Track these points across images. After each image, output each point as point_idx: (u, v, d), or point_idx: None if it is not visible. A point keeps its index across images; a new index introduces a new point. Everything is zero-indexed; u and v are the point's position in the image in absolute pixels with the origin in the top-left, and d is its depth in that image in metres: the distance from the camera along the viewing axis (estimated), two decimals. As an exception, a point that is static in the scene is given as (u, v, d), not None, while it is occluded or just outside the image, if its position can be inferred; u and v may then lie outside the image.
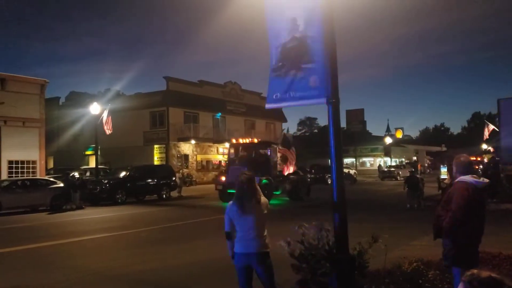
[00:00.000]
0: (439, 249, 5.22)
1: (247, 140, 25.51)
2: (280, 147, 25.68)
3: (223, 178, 22.67)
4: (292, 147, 26.42)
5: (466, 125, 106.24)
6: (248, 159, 22.98)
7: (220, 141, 44.56)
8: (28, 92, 28.48)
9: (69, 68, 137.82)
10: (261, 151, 24.58)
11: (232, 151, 25.57)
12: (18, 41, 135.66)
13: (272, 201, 19.62)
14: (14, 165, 27.45)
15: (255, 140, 26.28)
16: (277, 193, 23.20)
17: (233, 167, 22.30)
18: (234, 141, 25.84)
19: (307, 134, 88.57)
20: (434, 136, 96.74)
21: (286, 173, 25.20)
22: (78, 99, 47.93)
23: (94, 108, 28.27)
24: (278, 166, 25.56)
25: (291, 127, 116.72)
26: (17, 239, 12.53)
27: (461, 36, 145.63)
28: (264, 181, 21.42)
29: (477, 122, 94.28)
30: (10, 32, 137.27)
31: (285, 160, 25.90)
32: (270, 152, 24.50)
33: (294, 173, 25.61)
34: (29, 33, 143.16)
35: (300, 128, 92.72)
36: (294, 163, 26.01)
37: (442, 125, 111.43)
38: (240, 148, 25.00)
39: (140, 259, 9.69)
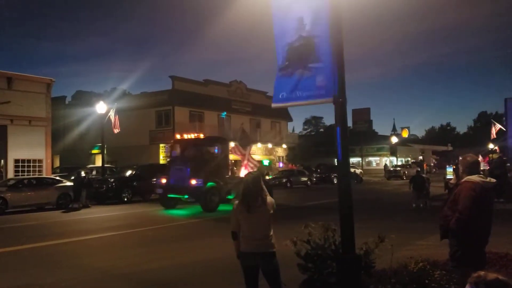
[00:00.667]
0: (445, 249, 5.19)
1: (193, 136, 21.76)
2: (238, 144, 22.32)
3: (164, 181, 19.71)
4: (250, 145, 23.31)
5: (473, 124, 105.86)
6: (192, 158, 20.02)
7: (225, 140, 44.55)
8: (34, 91, 28.60)
9: (75, 67, 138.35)
10: (209, 148, 21.24)
11: (174, 149, 22.04)
12: (24, 41, 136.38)
13: (222, 207, 18.73)
14: (20, 164, 27.58)
15: (201, 136, 22.52)
16: (230, 197, 20.00)
17: (175, 168, 19.97)
18: (178, 136, 21.95)
19: (313, 133, 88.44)
20: (440, 136, 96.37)
21: (242, 174, 22.46)
22: (84, 98, 48.13)
23: (100, 107, 28.36)
24: (233, 166, 23.40)
25: (296, 126, 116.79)
26: (23, 237, 12.59)
27: (468, 35, 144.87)
28: (209, 184, 18.85)
29: (483, 121, 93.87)
30: (17, 31, 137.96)
31: (242, 159, 22.76)
32: (219, 149, 21.17)
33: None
34: (35, 33, 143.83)
35: (306, 127, 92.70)
36: (253, 162, 22.93)
37: (448, 124, 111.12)
38: (184, 145, 21.39)
39: (147, 257, 9.70)
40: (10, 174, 26.43)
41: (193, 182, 18.57)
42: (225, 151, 21.54)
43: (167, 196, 19.41)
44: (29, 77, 29.05)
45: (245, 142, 22.57)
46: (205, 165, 19.50)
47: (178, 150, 21.42)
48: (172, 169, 20.26)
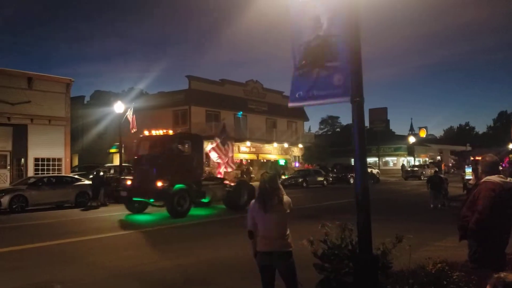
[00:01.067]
0: (463, 250, 5.13)
1: (161, 132, 18.99)
2: (218, 141, 20.47)
3: (129, 182, 17.97)
4: (230, 142, 21.23)
5: (492, 124, 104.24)
6: (160, 157, 17.76)
7: (241, 140, 44.69)
8: (54, 91, 29.09)
9: (94, 67, 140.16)
10: (179, 146, 18.76)
11: (141, 146, 19.34)
12: (44, 41, 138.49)
13: (195, 212, 17.63)
14: (40, 163, 28.09)
15: (170, 132, 19.78)
16: (205, 200, 18.63)
17: (140, 169, 18.24)
18: (146, 133, 19.13)
19: (329, 133, 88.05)
20: (459, 136, 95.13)
21: (221, 175, 20.65)
22: (102, 98, 48.64)
23: (118, 107, 28.64)
24: (210, 165, 21.96)
25: (313, 125, 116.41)
26: (42, 235, 12.79)
27: (488, 33, 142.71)
28: (178, 186, 16.82)
29: (503, 121, 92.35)
30: (37, 32, 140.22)
31: (222, 157, 20.72)
32: (190, 147, 18.88)
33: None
34: (55, 34, 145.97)
35: (322, 127, 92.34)
36: (232, 162, 21.15)
37: (467, 124, 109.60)
38: (151, 142, 18.89)
39: (165, 256, 9.80)
40: (30, 172, 26.92)
41: (159, 184, 16.61)
42: (199, 149, 19.22)
43: (131, 199, 17.59)
44: (49, 77, 29.54)
45: (225, 139, 21.09)
46: (174, 164, 17.50)
47: (145, 148, 19.00)
48: (137, 170, 18.62)
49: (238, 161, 21.90)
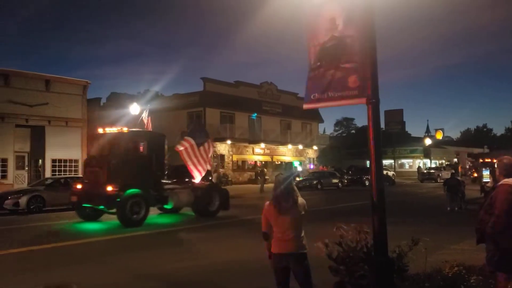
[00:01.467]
0: (481, 253, 5.06)
1: (115, 130, 16.62)
2: (192, 142, 17.64)
3: (79, 186, 16.03)
4: (209, 141, 18.39)
5: (510, 126, 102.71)
6: (111, 159, 15.56)
7: (256, 141, 44.76)
8: (71, 93, 29.47)
9: (110, 69, 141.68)
10: (136, 145, 16.32)
11: (94, 146, 17.09)
12: (61, 44, 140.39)
13: (156, 219, 16.18)
14: (57, 164, 28.48)
15: (125, 130, 16.64)
16: (168, 207, 16.87)
17: (90, 171, 16.12)
18: (101, 131, 16.77)
19: (344, 134, 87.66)
20: (476, 138, 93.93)
21: (195, 178, 17.80)
22: (118, 99, 49.06)
23: (134, 109, 28.87)
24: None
25: (328, 127, 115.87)
26: (60, 235, 12.95)
27: (505, 34, 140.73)
28: (130, 191, 14.82)
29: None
30: (54, 35, 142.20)
31: (193, 160, 17.80)
32: (148, 146, 16.41)
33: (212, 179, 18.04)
34: (71, 37, 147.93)
35: (337, 128, 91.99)
36: (207, 164, 18.12)
37: (484, 126, 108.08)
38: (103, 141, 16.47)
39: (179, 257, 9.83)
40: (48, 173, 27.30)
41: (109, 188, 14.73)
42: (159, 150, 16.93)
43: (82, 205, 15.74)
44: (66, 79, 29.94)
45: (201, 137, 18.09)
46: (128, 166, 15.42)
47: (98, 148, 16.59)
48: (86, 172, 16.53)
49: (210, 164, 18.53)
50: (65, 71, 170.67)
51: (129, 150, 15.95)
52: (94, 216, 15.94)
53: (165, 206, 16.86)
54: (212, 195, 17.55)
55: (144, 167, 15.93)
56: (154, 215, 16.75)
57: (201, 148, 17.72)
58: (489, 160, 45.11)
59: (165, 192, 16.49)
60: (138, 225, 14.56)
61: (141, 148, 16.36)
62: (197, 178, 17.67)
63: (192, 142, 17.62)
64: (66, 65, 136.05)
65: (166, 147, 17.39)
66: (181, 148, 17.56)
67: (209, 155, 18.25)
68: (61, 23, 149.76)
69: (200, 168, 17.62)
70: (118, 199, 14.50)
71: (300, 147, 50.71)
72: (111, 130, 16.57)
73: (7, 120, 26.71)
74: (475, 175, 35.80)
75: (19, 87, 27.13)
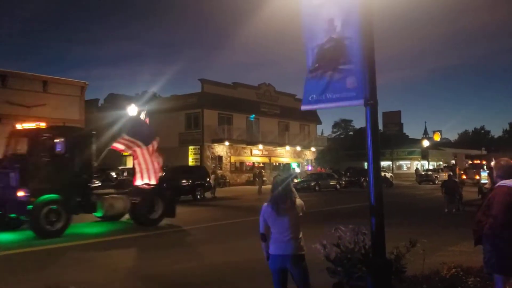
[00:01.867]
0: (478, 255, 5.07)
1: (31, 126, 14.27)
2: (127, 137, 15.42)
3: None
4: (155, 140, 16.17)
5: (508, 128, 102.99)
6: (24, 159, 13.25)
7: (254, 143, 44.81)
8: (68, 94, 29.47)
9: (108, 70, 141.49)
10: (54, 143, 13.54)
11: (11, 143, 14.40)
12: (58, 45, 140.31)
13: (84, 229, 14.15)
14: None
15: (42, 125, 14.18)
16: (98, 215, 14.83)
17: (0, 173, 13.35)
18: (19, 127, 14.58)
19: (342, 136, 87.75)
20: (474, 139, 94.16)
21: (140, 183, 16.09)
22: (116, 101, 49.06)
23: (132, 110, 28.84)
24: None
25: (325, 129, 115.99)
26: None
27: (503, 36, 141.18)
28: (45, 197, 12.62)
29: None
30: (51, 36, 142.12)
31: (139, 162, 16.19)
32: (70, 145, 13.67)
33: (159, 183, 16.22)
34: (69, 37, 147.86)
35: (335, 130, 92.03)
36: (157, 166, 16.16)
37: (482, 128, 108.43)
38: (19, 139, 14.22)
39: (179, 258, 9.82)
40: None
41: (20, 193, 12.54)
42: (85, 149, 14.22)
43: None
44: (64, 80, 29.94)
45: (142, 135, 15.87)
46: (44, 168, 13.17)
47: (14, 147, 14.26)
48: None
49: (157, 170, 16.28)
50: (63, 72, 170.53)
51: (45, 149, 13.49)
52: (16, 224, 13.59)
53: (95, 214, 14.81)
54: (154, 201, 15.33)
55: (65, 169, 13.55)
56: (86, 223, 15.09)
57: (150, 147, 15.86)
58: (478, 161, 45.34)
59: (92, 198, 14.21)
60: (56, 235, 12.53)
61: (61, 146, 13.64)
62: (145, 181, 15.98)
63: (139, 143, 15.68)
64: (64, 66, 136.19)
65: (95, 146, 14.51)
66: (123, 148, 16.02)
67: (156, 155, 16.16)
68: (59, 24, 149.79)
69: (151, 169, 15.99)
70: (30, 206, 12.38)
71: (298, 148, 50.76)
72: (29, 126, 14.30)
73: (4, 121, 26.65)
74: (464, 177, 35.92)
75: (17, 88, 27.11)
